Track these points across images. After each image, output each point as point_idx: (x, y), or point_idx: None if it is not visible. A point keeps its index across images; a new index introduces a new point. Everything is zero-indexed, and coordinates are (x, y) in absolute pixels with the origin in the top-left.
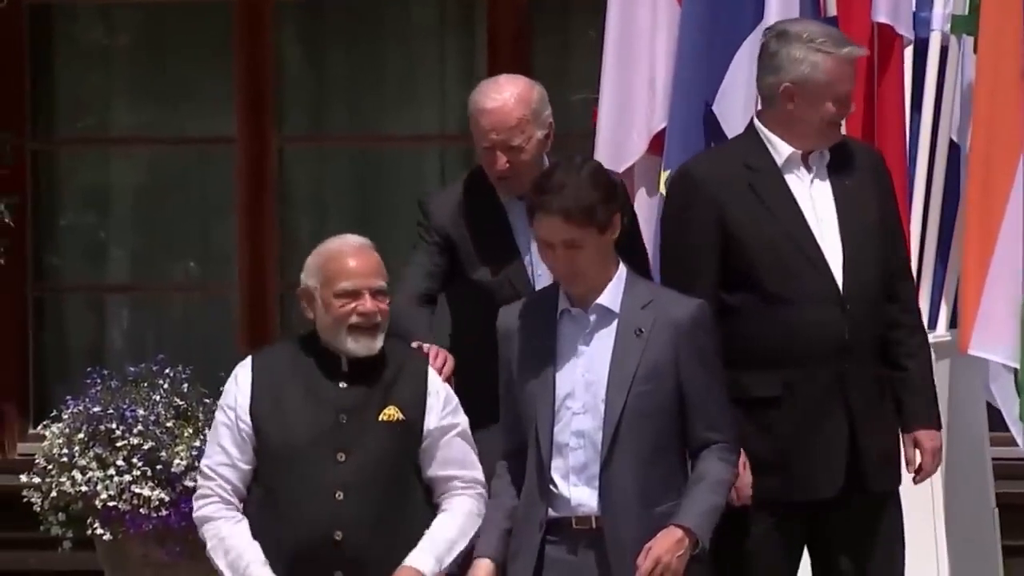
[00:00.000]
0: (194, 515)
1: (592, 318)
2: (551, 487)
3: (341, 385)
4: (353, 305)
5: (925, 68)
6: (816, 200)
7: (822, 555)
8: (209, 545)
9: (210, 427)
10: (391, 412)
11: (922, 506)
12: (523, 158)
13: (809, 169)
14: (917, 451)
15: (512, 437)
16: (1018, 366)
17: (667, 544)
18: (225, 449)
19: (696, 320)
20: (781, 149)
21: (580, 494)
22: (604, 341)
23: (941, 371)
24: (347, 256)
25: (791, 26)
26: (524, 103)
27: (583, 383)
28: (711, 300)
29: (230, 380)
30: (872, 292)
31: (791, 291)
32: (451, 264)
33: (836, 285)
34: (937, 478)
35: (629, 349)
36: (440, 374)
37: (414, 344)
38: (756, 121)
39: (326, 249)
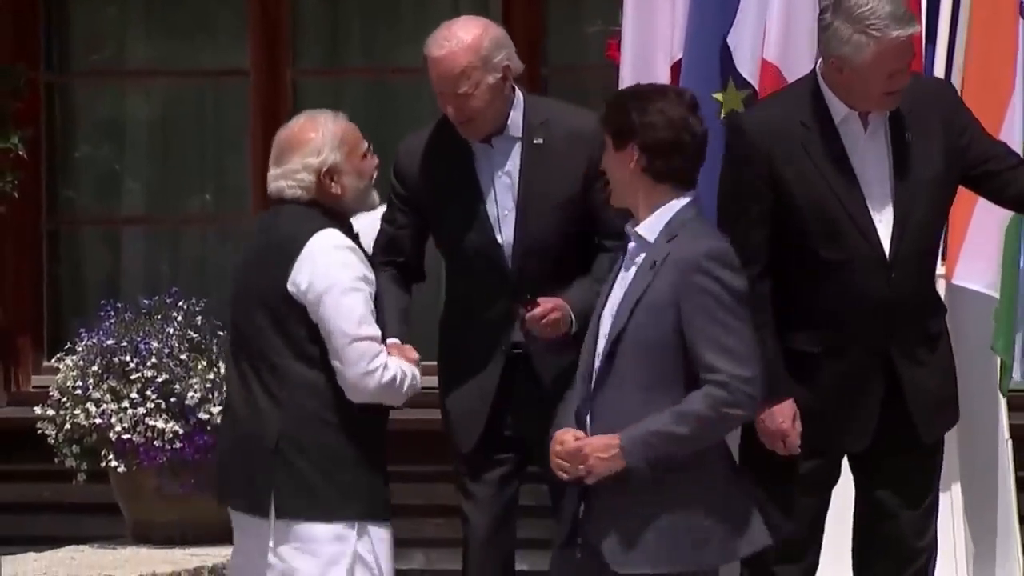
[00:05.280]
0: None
1: (631, 246)
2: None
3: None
4: (375, 161)
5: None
6: (871, 160)
7: (864, 488)
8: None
9: (223, 360)
10: None
11: None
12: (473, 104)
13: (866, 126)
14: None
15: None
16: (998, 295)
17: (598, 444)
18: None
19: (699, 263)
20: (837, 107)
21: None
22: (632, 270)
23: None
24: (350, 123)
25: None
26: (471, 51)
27: (610, 308)
28: (764, 251)
29: (337, 255)
30: (923, 253)
31: (836, 253)
32: (421, 215)
33: (882, 249)
34: None
35: (641, 280)
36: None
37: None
38: (818, 73)
39: (331, 123)
